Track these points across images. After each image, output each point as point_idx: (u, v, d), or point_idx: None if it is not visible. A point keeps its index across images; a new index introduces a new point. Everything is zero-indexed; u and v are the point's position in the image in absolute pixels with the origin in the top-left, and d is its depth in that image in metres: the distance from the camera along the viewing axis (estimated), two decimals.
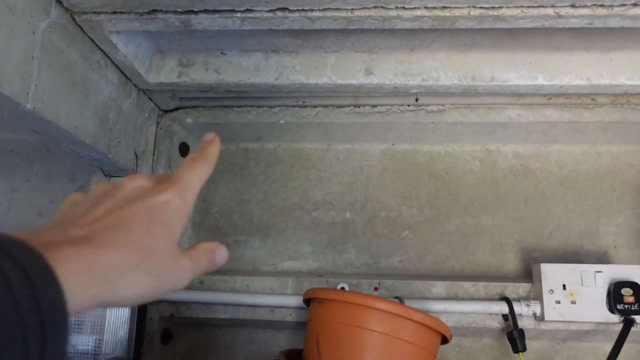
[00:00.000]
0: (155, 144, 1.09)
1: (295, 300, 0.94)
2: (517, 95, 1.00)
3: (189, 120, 1.10)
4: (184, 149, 1.14)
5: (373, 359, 0.68)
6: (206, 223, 1.13)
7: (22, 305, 0.26)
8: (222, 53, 0.93)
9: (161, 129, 1.10)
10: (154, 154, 1.08)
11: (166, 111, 1.11)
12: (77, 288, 0.30)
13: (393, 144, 1.13)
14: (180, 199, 0.39)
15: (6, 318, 0.26)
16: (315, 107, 1.06)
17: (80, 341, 0.88)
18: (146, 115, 1.06)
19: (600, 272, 0.89)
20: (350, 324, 0.69)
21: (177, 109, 1.11)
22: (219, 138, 0.48)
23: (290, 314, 0.97)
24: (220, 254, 0.43)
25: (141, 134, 1.06)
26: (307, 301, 0.81)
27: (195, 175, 0.43)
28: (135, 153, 1.04)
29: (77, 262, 0.31)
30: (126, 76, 0.94)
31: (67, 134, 0.80)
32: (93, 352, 0.88)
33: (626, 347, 0.96)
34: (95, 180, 1.07)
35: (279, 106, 1.07)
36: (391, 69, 0.91)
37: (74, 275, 0.30)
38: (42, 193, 1.20)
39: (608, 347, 0.85)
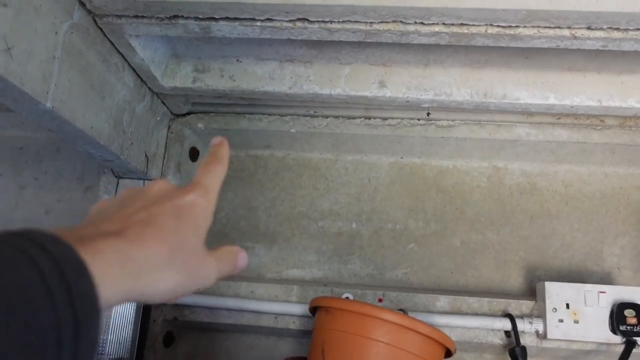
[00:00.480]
0: (165, 148, 1.10)
1: (300, 308, 0.95)
2: (528, 113, 1.01)
3: (200, 125, 1.11)
4: (194, 154, 1.15)
5: None
6: (213, 228, 1.13)
7: (56, 298, 0.27)
8: (237, 60, 0.95)
9: (172, 133, 1.11)
10: (164, 158, 1.09)
11: (178, 115, 1.12)
12: (111, 281, 0.31)
13: (402, 157, 1.14)
14: (204, 199, 0.41)
15: (41, 311, 0.26)
16: (327, 117, 1.07)
17: None
18: (158, 118, 1.07)
19: (604, 292, 0.89)
20: (356, 334, 0.70)
21: (189, 113, 1.12)
22: (227, 142, 0.49)
23: (294, 322, 0.97)
24: (242, 258, 0.45)
25: (152, 137, 1.07)
26: (313, 310, 0.82)
27: (214, 176, 0.44)
28: (146, 155, 1.05)
29: (110, 255, 0.32)
30: (142, 79, 0.95)
31: (83, 134, 0.81)
32: (97, 352, 0.88)
33: None
34: (104, 181, 1.08)
35: (290, 115, 1.08)
36: (404, 82, 0.92)
37: (107, 268, 0.31)
38: (50, 192, 1.21)
39: None
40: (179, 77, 0.96)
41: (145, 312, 0.97)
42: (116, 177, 1.07)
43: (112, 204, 0.40)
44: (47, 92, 0.69)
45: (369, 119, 1.06)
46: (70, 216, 1.05)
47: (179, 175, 1.08)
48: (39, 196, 1.21)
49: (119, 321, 0.91)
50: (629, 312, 0.87)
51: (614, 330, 0.87)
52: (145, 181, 1.08)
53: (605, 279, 1.03)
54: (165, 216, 0.37)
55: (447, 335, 0.72)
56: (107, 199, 0.43)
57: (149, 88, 0.98)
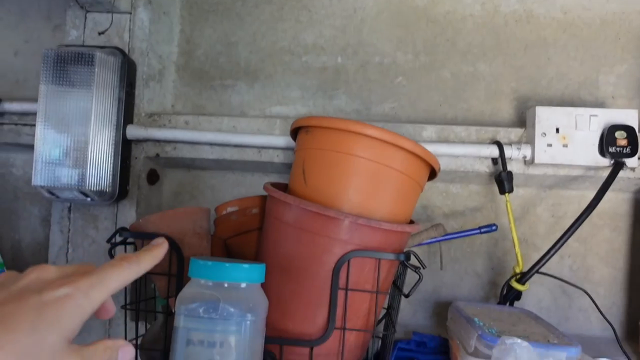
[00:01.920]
0: None
1: (284, 141, 0.92)
2: None
3: None
4: None
5: (359, 184, 0.67)
6: (191, 66, 1.08)
7: None
8: None
9: None
10: None
11: None
12: None
13: None
14: (82, 294, 0.38)
15: None
16: None
17: (63, 174, 0.87)
18: None
19: (596, 115, 0.87)
20: (337, 151, 0.67)
21: None
22: (168, 242, 0.48)
23: (277, 155, 0.95)
24: (125, 353, 0.40)
25: None
26: (295, 134, 0.79)
27: (115, 274, 0.41)
28: None
29: None
30: None
31: None
32: (77, 185, 0.87)
33: (611, 195, 0.97)
34: (71, 15, 1.00)
35: None
36: None
37: None
38: (16, 32, 1.14)
39: (593, 195, 0.84)
40: None
41: (126, 148, 0.94)
42: (82, 8, 0.99)
43: None
44: None
45: None
46: (40, 57, 0.98)
47: (150, 6, 1.00)
48: (4, 37, 1.13)
49: (96, 156, 0.89)
50: (619, 134, 0.85)
51: (603, 152, 0.86)
52: (114, 15, 1.00)
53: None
54: (21, 313, 0.35)
55: (431, 152, 0.70)
56: None
57: None
